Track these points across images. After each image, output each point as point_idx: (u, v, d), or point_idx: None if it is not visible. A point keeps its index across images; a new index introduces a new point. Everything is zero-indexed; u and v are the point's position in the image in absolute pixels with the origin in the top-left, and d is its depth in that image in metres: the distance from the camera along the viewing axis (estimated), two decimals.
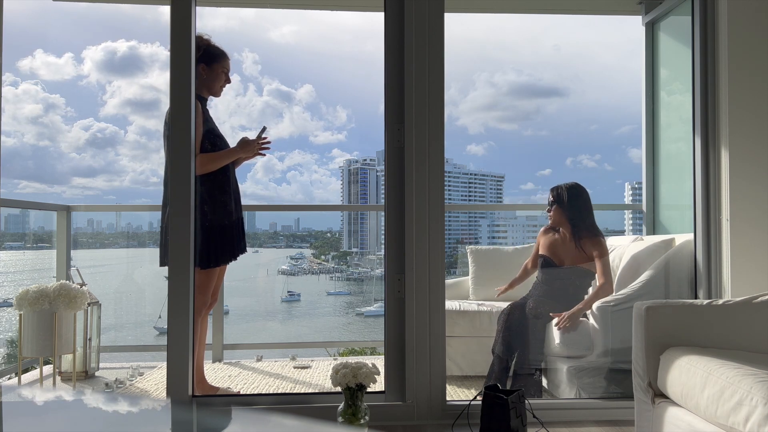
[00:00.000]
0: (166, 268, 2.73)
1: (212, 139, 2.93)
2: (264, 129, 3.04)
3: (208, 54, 2.94)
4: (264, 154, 3.08)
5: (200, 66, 2.92)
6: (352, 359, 3.16)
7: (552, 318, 3.18)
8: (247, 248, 3.13)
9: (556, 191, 3.37)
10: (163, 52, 2.86)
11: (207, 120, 2.95)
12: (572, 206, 3.34)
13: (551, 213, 3.38)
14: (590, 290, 3.28)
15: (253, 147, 2.99)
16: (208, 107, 3.02)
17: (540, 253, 3.43)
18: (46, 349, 3.10)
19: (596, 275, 3.28)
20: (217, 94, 3.02)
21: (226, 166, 2.97)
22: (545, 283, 3.37)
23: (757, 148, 2.85)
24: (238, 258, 3.06)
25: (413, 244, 2.79)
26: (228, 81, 3.04)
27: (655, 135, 3.99)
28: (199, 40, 2.91)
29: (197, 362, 2.91)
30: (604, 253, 3.28)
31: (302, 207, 4.94)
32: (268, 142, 3.07)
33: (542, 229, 3.51)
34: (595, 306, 3.12)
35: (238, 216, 3.02)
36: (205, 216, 2.91)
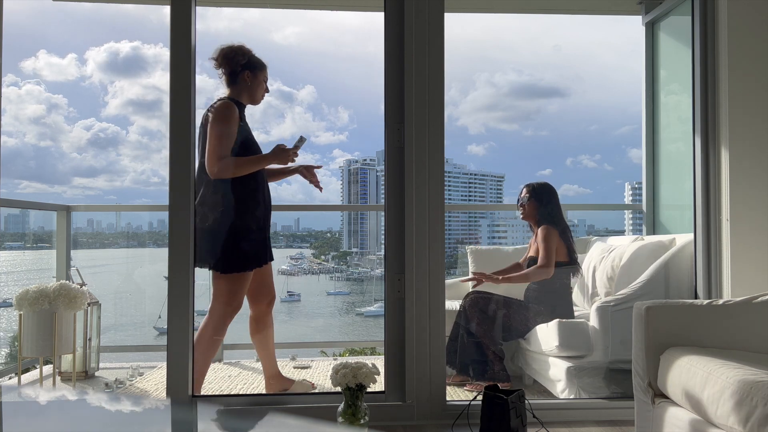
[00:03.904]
0: (166, 268, 2.74)
1: (248, 145, 2.96)
2: (302, 139, 3.02)
3: (252, 63, 3.00)
4: (294, 160, 3.05)
5: (245, 73, 2.97)
6: (352, 359, 3.16)
7: (543, 318, 3.26)
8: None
9: (531, 187, 3.52)
10: (167, 53, 2.89)
11: (244, 127, 2.97)
12: (545, 203, 3.48)
13: (524, 208, 3.51)
14: (572, 281, 3.43)
15: (287, 156, 2.98)
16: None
17: (529, 255, 3.55)
18: (46, 349, 3.10)
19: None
20: (257, 102, 3.04)
21: (259, 174, 2.97)
22: (534, 282, 3.46)
23: (757, 148, 2.85)
24: (262, 266, 3.03)
25: (413, 244, 2.79)
26: (267, 90, 3.07)
27: (655, 135, 3.99)
28: (242, 49, 2.99)
29: (270, 362, 3.13)
30: (546, 238, 3.40)
31: (302, 207, 4.93)
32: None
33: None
34: (595, 306, 3.12)
35: (266, 224, 3.01)
36: (231, 220, 2.91)
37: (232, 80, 2.97)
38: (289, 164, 3.05)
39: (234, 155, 2.88)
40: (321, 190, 3.11)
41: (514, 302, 3.42)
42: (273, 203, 3.09)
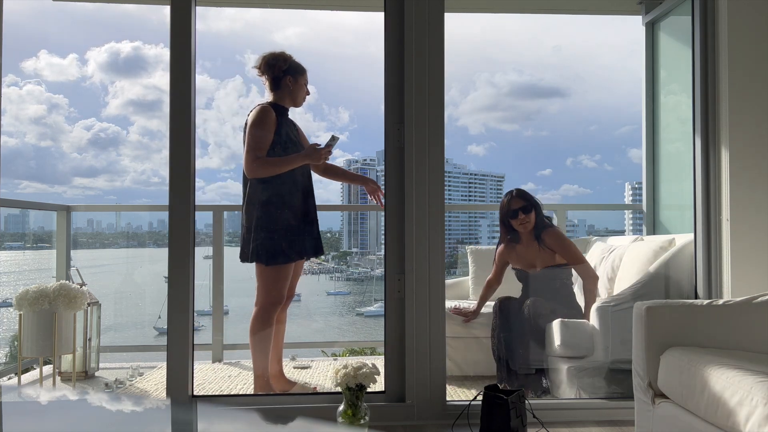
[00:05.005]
0: (166, 268, 2.75)
1: (288, 146, 3.03)
2: (334, 138, 3.06)
3: (293, 67, 3.10)
4: (327, 158, 3.11)
5: (287, 78, 3.07)
6: (352, 359, 3.16)
7: (551, 318, 3.20)
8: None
9: (523, 197, 3.30)
10: (167, 53, 2.94)
11: (282, 128, 3.02)
12: (539, 208, 3.33)
13: (527, 218, 3.28)
14: (575, 282, 3.30)
15: (319, 155, 3.04)
16: (290, 117, 3.11)
17: (513, 267, 3.41)
18: (46, 349, 3.10)
19: (574, 272, 3.31)
20: (299, 104, 3.15)
21: (296, 173, 3.03)
22: (532, 287, 3.37)
23: (757, 148, 2.85)
24: (304, 259, 3.16)
25: (413, 244, 2.79)
26: (308, 92, 3.16)
27: (655, 135, 3.99)
28: (283, 55, 3.10)
29: (275, 359, 3.12)
30: (563, 239, 3.33)
31: None
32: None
33: (502, 245, 3.40)
34: (594, 306, 3.12)
35: (306, 219, 3.07)
36: (271, 217, 2.99)
37: (275, 86, 3.07)
38: (364, 176, 3.32)
39: (273, 155, 2.98)
40: (382, 206, 3.11)
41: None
42: None
